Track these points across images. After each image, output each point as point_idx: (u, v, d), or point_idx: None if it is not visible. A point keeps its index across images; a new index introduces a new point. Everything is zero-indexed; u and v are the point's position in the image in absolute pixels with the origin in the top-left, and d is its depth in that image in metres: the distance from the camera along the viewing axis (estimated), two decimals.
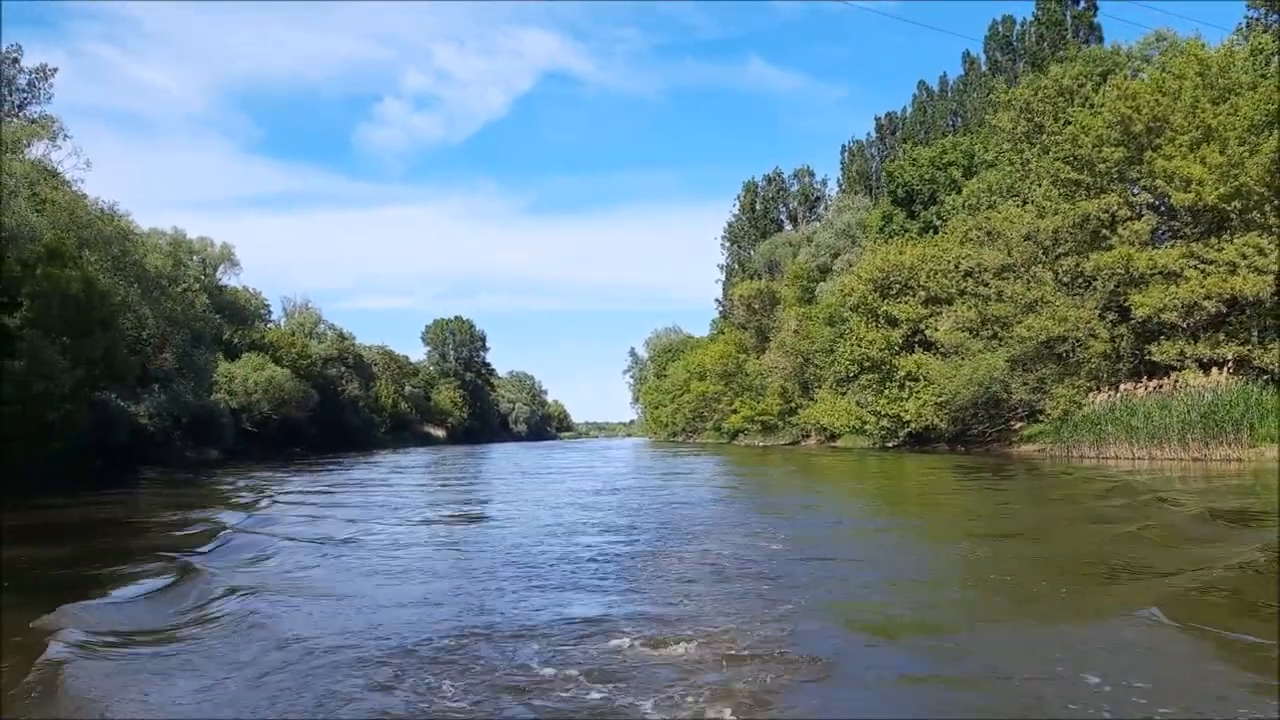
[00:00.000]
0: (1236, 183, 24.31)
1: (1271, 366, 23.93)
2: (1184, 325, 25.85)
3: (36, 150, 34.16)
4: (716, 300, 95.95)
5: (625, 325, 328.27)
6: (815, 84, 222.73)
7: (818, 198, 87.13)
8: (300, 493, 21.03)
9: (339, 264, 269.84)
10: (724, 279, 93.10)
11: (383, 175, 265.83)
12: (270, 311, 72.56)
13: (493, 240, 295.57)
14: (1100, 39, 50.64)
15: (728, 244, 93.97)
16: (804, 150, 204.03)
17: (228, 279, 58.65)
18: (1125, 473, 19.70)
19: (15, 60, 35.94)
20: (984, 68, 57.35)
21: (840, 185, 77.36)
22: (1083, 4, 50.85)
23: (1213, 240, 25.46)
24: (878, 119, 71.22)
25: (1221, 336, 25.16)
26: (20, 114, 36.66)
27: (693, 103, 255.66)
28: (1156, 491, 14.13)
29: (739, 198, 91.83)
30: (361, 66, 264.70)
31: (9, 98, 36.03)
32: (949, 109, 60.39)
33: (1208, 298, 24.58)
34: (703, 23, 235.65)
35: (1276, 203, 24.28)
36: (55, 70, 36.71)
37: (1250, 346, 24.58)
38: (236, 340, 55.04)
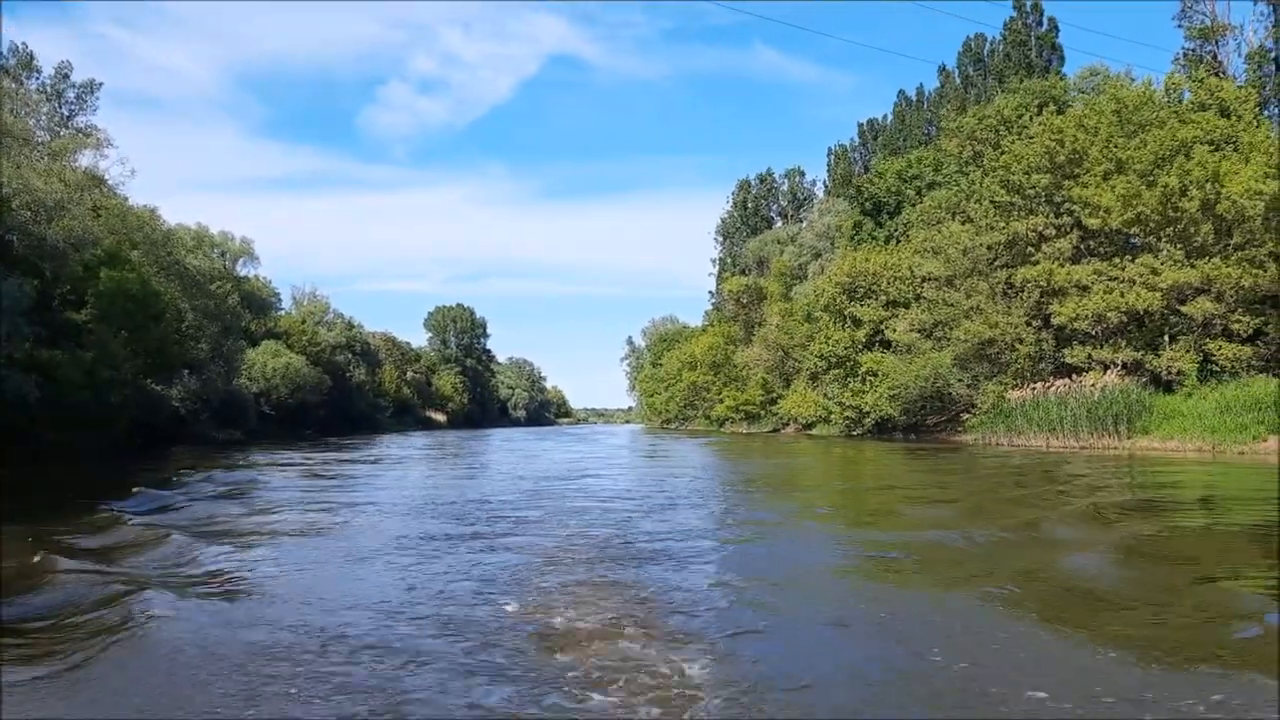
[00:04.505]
0: (1135, 211, 28.26)
1: (1159, 369, 27.96)
2: (1094, 332, 29.86)
3: (84, 159, 38.09)
4: (709, 293, 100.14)
5: (629, 312, 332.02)
6: (825, 72, 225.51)
7: (807, 197, 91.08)
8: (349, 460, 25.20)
9: (345, 247, 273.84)
10: (717, 272, 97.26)
11: (389, 159, 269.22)
12: (280, 300, 76.54)
13: (502, 225, 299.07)
14: (1062, 59, 54.48)
15: (721, 239, 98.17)
16: (812, 139, 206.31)
17: (246, 270, 62.62)
18: (1025, 455, 23.81)
19: (66, 75, 39.83)
20: (958, 80, 61.12)
21: (827, 187, 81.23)
22: (1045, 26, 54.63)
23: (1117, 260, 29.44)
24: (860, 125, 75.23)
25: (1123, 343, 29.17)
26: (69, 124, 40.57)
27: (702, 89, 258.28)
28: (1008, 464, 18.22)
29: (732, 195, 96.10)
30: (367, 50, 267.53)
31: (59, 110, 39.91)
32: (924, 119, 64.18)
33: (1110, 310, 28.58)
34: (710, 8, 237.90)
35: (1169, 230, 28.21)
36: (101, 84, 40.58)
37: (1144, 352, 28.59)
38: (254, 329, 59.07)
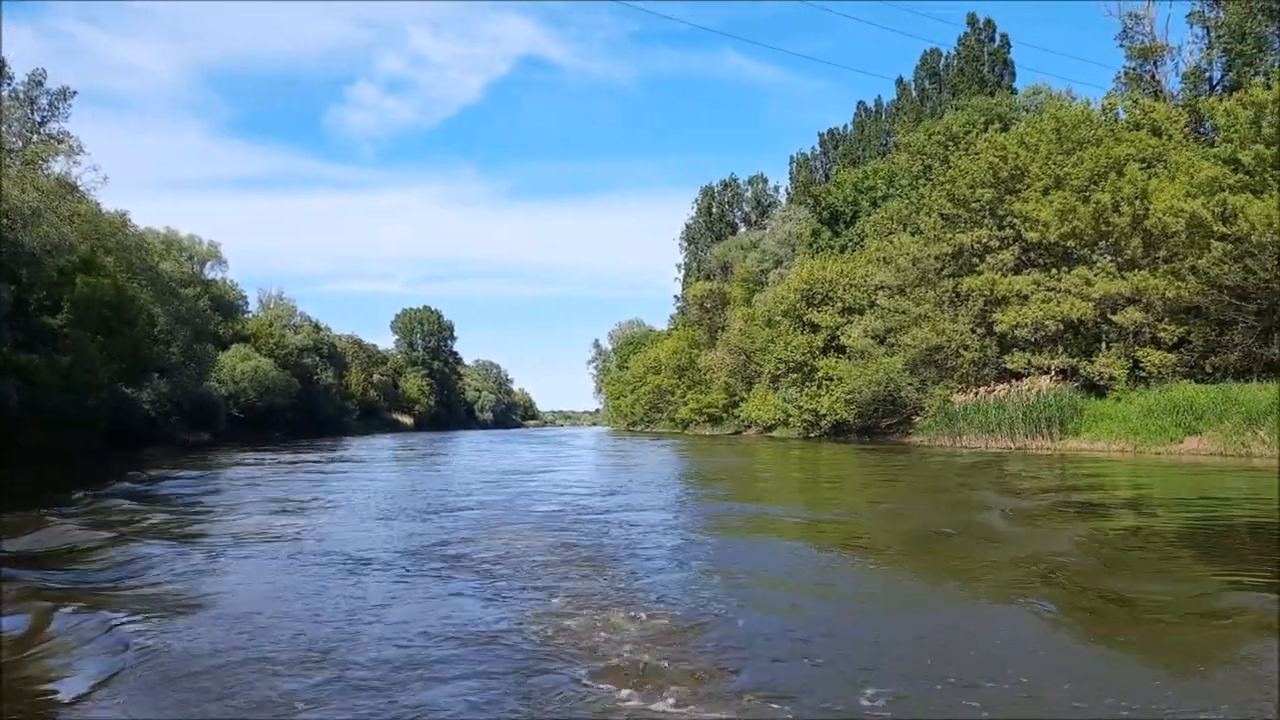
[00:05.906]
0: (1071, 225, 29.95)
1: (1093, 375, 29.67)
2: (1033, 339, 31.53)
3: (57, 165, 38.59)
4: (675, 296, 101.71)
5: (597, 314, 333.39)
6: (792, 76, 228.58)
7: (770, 203, 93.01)
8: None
9: (311, 248, 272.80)
10: (682, 277, 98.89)
11: (356, 159, 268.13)
12: (248, 303, 76.85)
13: (471, 226, 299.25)
14: (1013, 74, 56.61)
15: (686, 244, 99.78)
16: (779, 142, 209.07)
17: (214, 273, 63.10)
18: (957, 455, 25.34)
19: (39, 83, 40.21)
20: (914, 94, 63.09)
21: (789, 194, 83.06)
22: (998, 43, 56.69)
23: (1054, 271, 31.14)
24: (821, 134, 77.16)
25: (1060, 349, 30.88)
26: (40, 130, 40.99)
27: (670, 91, 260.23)
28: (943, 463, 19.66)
29: (697, 200, 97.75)
30: (334, 49, 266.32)
31: (32, 116, 40.30)
32: (883, 129, 66.12)
33: (1048, 318, 30.25)
34: (679, 13, 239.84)
35: (1101, 243, 29.95)
36: (75, 93, 40.92)
37: (1079, 358, 30.30)
38: (222, 332, 59.55)
